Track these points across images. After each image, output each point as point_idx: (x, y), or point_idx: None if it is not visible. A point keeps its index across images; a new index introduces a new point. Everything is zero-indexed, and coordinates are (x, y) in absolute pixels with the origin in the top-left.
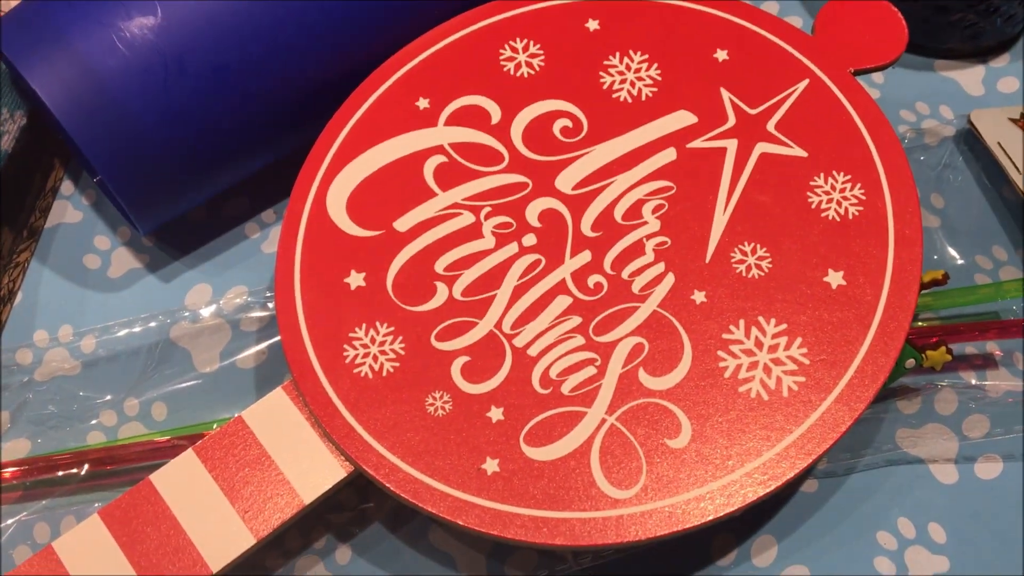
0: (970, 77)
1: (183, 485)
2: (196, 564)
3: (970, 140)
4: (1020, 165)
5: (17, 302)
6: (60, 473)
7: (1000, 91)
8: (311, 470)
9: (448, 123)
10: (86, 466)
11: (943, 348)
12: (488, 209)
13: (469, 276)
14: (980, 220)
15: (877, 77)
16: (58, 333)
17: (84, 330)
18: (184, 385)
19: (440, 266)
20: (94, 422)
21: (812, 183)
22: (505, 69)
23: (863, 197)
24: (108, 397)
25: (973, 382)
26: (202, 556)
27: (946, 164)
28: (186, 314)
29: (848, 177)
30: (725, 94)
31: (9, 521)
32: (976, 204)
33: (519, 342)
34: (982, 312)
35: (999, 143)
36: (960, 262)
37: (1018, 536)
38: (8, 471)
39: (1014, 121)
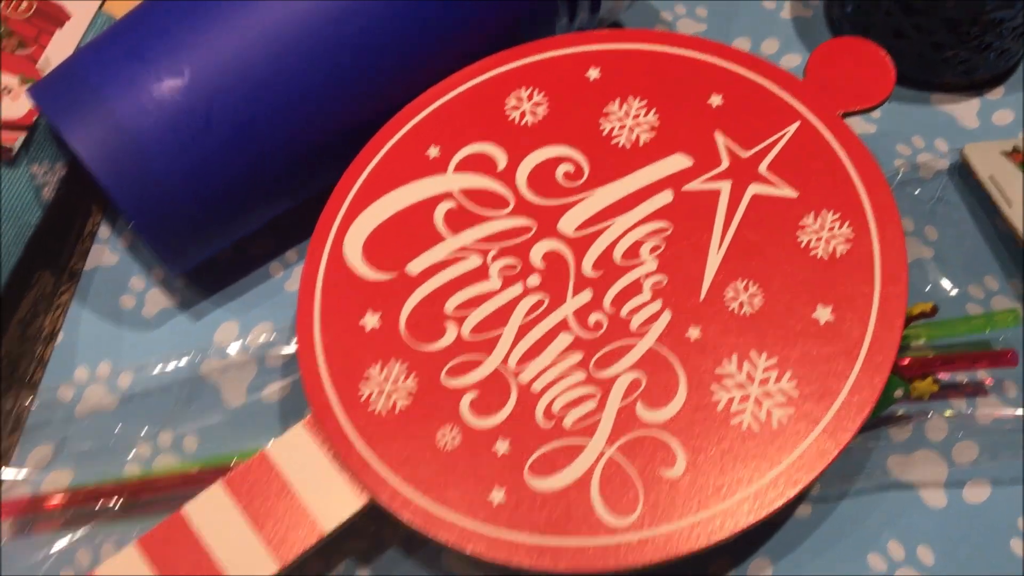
0: (965, 110)
1: (212, 516)
2: None
3: (964, 173)
4: (1011, 199)
5: (58, 342)
6: (99, 503)
7: (995, 124)
8: (330, 501)
9: (457, 170)
10: (123, 496)
11: (930, 379)
12: (495, 252)
13: (477, 316)
14: (972, 251)
15: (874, 112)
16: (97, 371)
17: (121, 368)
18: (213, 419)
19: (450, 307)
20: (131, 455)
21: (802, 222)
22: (510, 118)
23: (851, 235)
24: (143, 431)
25: (964, 410)
26: None
27: (939, 197)
28: (215, 351)
29: (837, 216)
30: (719, 138)
31: (53, 549)
32: (969, 236)
33: (524, 378)
34: (974, 341)
35: (991, 177)
36: (953, 292)
37: (1003, 558)
38: (51, 501)
39: (1007, 155)
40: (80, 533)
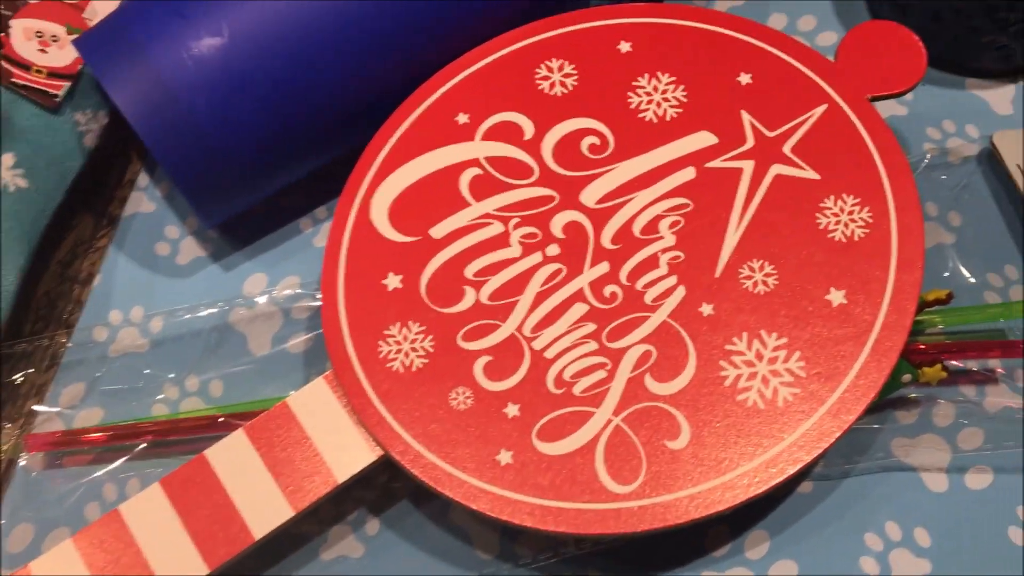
0: (1000, 96)
1: (233, 461)
2: (242, 531)
3: (992, 160)
4: None
5: (96, 284)
6: (127, 441)
7: None
8: (345, 453)
9: (485, 138)
10: (150, 436)
11: (939, 365)
12: (517, 220)
13: (495, 282)
14: (995, 239)
15: (906, 95)
16: (130, 314)
17: (153, 312)
18: (239, 367)
19: (470, 272)
20: (159, 396)
21: (822, 205)
22: (540, 88)
23: (870, 220)
24: (172, 374)
25: (972, 396)
26: (247, 525)
27: (966, 184)
28: (243, 301)
29: (857, 200)
30: (746, 116)
31: (81, 482)
32: (992, 224)
33: (537, 345)
34: (989, 330)
35: (1018, 165)
36: (971, 280)
37: (1001, 545)
38: (82, 437)
39: None
40: (107, 469)
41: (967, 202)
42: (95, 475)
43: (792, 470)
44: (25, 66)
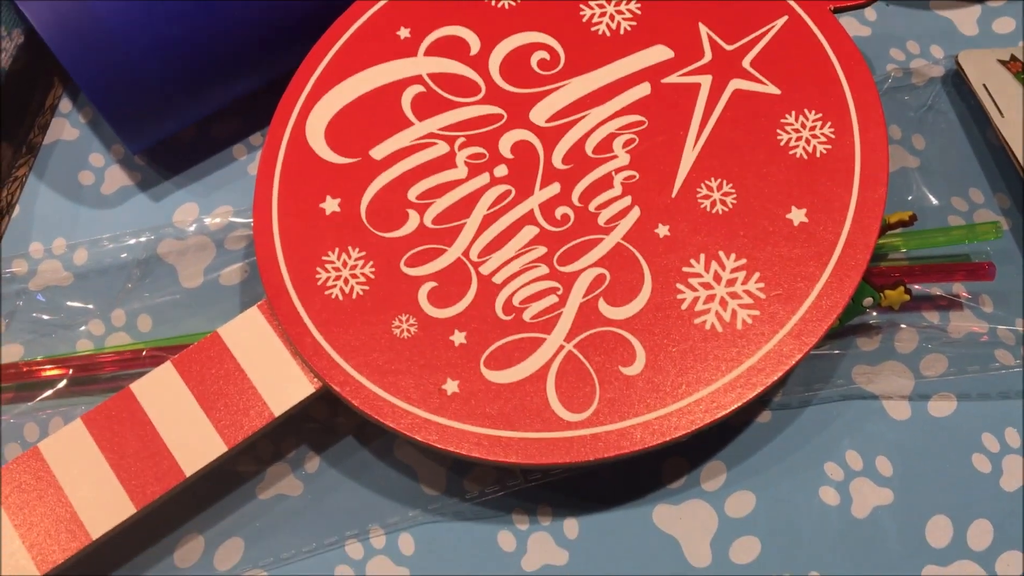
0: (965, 16)
1: (161, 395)
2: (171, 469)
3: (957, 81)
4: (1003, 109)
5: (15, 215)
6: (49, 376)
7: (995, 31)
8: (281, 385)
9: (428, 53)
10: (74, 371)
11: (901, 288)
12: (462, 140)
13: (440, 205)
14: (960, 162)
15: (870, 14)
16: (52, 245)
17: (76, 243)
18: (168, 299)
19: (413, 194)
20: (83, 330)
21: (783, 120)
22: (486, 0)
23: (832, 136)
24: (97, 307)
25: (936, 322)
26: (177, 462)
27: (930, 106)
28: (173, 231)
29: (819, 116)
30: (703, 29)
31: (0, 419)
32: (957, 146)
33: (485, 270)
34: (953, 254)
35: (984, 85)
36: (935, 203)
37: (964, 472)
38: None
39: (1003, 63)
40: (28, 407)
41: (931, 124)
42: (15, 413)
43: (750, 395)
44: None
